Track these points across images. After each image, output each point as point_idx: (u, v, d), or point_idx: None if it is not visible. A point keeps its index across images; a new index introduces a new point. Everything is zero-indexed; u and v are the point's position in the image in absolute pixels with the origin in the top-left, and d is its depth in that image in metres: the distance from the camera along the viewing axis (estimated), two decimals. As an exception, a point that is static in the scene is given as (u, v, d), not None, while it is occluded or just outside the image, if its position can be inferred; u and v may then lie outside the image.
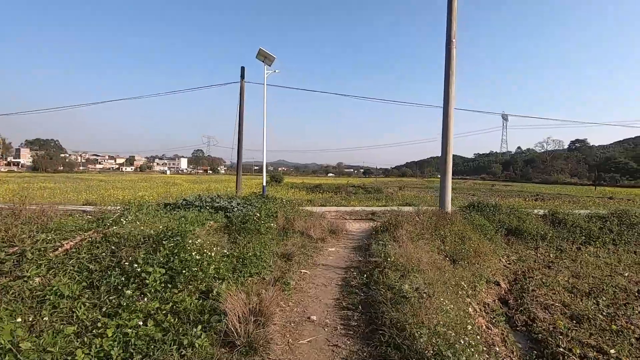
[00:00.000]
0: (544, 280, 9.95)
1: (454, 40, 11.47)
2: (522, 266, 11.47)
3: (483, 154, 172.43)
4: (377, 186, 44.29)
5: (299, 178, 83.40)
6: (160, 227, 5.29)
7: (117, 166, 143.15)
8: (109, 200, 22.22)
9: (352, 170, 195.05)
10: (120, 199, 22.87)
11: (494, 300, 8.50)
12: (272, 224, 7.70)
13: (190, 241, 4.69)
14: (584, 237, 14.14)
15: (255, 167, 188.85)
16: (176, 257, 4.35)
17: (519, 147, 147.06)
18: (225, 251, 5.31)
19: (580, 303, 8.44)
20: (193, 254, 4.44)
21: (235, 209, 9.27)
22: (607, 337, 6.40)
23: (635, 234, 14.62)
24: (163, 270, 4.07)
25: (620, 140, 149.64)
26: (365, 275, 5.36)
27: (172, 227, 5.26)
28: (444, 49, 11.76)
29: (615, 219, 15.18)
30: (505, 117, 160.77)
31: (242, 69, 15.71)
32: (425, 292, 3.99)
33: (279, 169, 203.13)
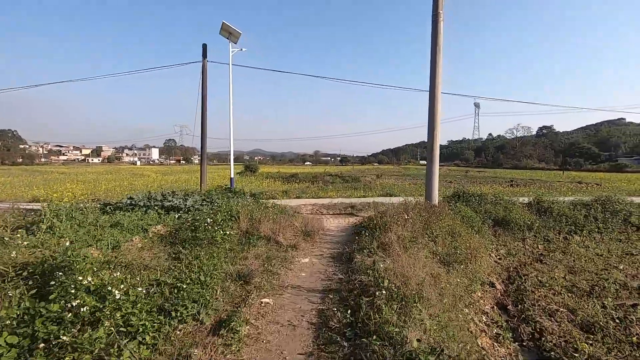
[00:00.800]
0: (540, 278, 9.08)
1: (441, 12, 10.16)
2: (513, 261, 10.69)
3: (456, 140, 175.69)
4: (354, 175, 43.23)
5: (276, 167, 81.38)
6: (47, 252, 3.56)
7: (82, 157, 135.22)
8: (63, 196, 19.96)
9: (329, 158, 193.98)
10: (76, 195, 20.60)
11: (492, 307, 7.48)
12: (231, 230, 6.17)
13: (81, 278, 2.97)
14: (569, 226, 13.64)
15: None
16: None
17: (490, 134, 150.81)
18: (152, 279, 3.75)
19: (586, 306, 7.49)
20: (79, 301, 2.80)
21: (191, 208, 7.74)
22: (627, 352, 5.43)
23: (619, 221, 14.25)
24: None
25: (582, 127, 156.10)
26: (349, 310, 3.92)
27: (62, 253, 3.43)
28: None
29: (599, 206, 14.68)
30: (477, 105, 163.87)
31: (204, 46, 13.80)
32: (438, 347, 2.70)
33: (256, 158, 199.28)
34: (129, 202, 7.79)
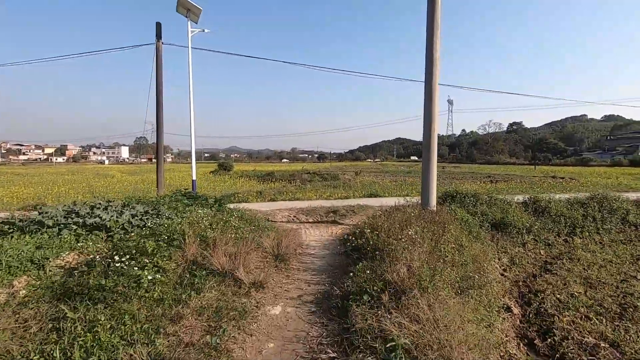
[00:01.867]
0: (558, 295, 7.72)
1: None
2: (520, 272, 9.37)
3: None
4: (333, 172, 41.58)
5: (252, 165, 78.67)
6: None
7: (45, 157, 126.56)
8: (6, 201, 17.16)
9: (306, 155, 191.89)
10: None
11: (518, 345, 5.94)
12: (168, 263, 4.28)
13: None
14: (568, 227, 12.60)
15: (206, 154, 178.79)
16: None
17: (463, 130, 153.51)
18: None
19: (628, 337, 6.13)
20: None
21: (127, 225, 5.75)
22: None
23: (617, 220, 13.32)
24: None
25: (549, 123, 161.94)
26: None
27: None
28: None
29: (595, 205, 13.67)
30: (450, 102, 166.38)
31: (158, 25, 11.57)
32: None
33: (232, 155, 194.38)
34: (37, 219, 5.64)
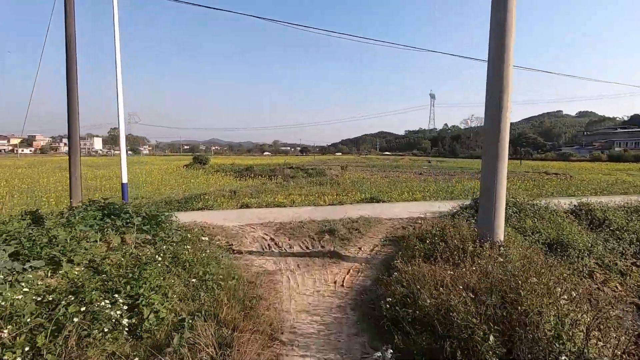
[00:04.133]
0: None
1: None
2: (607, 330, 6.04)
3: (413, 130, 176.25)
4: (318, 167, 37.99)
5: (231, 158, 73.91)
6: None
7: (10, 148, 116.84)
8: None
9: (289, 148, 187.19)
10: None
11: None
12: None
13: None
14: (634, 246, 9.60)
15: (186, 147, 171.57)
16: None
17: (445, 124, 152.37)
18: None
19: None
20: None
21: None
22: None
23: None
24: None
25: (527, 118, 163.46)
26: None
27: None
28: None
29: (657, 212, 10.67)
30: (432, 96, 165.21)
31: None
32: None
33: (212, 148, 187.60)
34: None
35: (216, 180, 24.31)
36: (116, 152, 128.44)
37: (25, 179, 23.54)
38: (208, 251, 5.32)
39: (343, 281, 4.70)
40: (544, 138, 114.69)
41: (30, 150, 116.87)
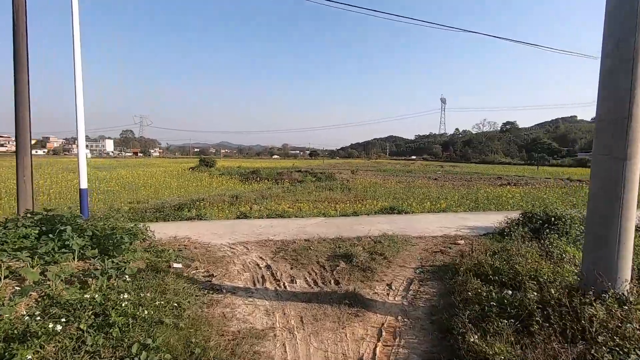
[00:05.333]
0: None
1: None
2: None
3: (423, 135, 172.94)
4: (327, 170, 36.13)
5: (239, 161, 72.48)
6: None
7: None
8: None
9: (297, 152, 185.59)
10: None
11: None
12: None
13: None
14: None
15: (196, 149, 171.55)
16: None
17: (456, 129, 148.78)
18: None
19: None
20: None
21: None
22: None
23: None
24: None
25: (540, 123, 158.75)
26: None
27: None
28: None
29: None
30: (443, 100, 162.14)
31: None
32: None
33: (222, 150, 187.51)
34: None
35: (219, 184, 22.62)
36: (127, 154, 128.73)
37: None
38: (167, 296, 3.51)
39: (374, 357, 2.83)
40: (559, 143, 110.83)
41: (44, 152, 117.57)
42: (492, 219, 8.61)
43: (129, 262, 4.62)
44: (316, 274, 4.94)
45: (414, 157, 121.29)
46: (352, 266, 5.15)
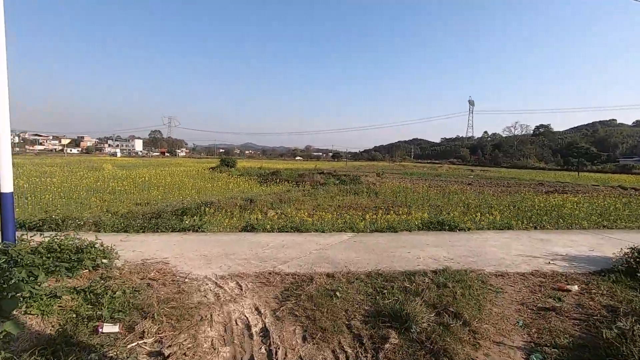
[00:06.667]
0: None
1: None
2: None
3: (449, 138, 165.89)
4: (351, 173, 33.73)
5: (259, 162, 71.20)
6: None
7: (60, 148, 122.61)
8: None
9: (320, 154, 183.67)
10: None
11: None
12: None
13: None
14: None
15: (221, 150, 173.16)
16: None
17: (485, 132, 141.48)
18: None
19: None
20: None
21: None
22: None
23: None
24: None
25: (576, 127, 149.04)
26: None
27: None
28: None
29: None
30: (471, 103, 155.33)
31: None
32: None
33: (246, 151, 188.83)
34: None
35: (236, 185, 20.79)
36: (154, 153, 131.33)
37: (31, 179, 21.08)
38: None
39: None
40: (597, 148, 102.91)
41: (77, 150, 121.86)
42: (584, 242, 6.07)
43: (23, 326, 2.56)
44: (348, 357, 2.69)
45: (440, 160, 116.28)
46: (410, 342, 2.87)
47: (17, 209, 11.76)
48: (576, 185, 29.65)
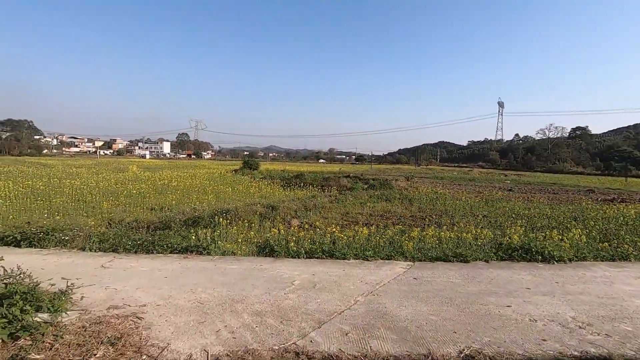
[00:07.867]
0: None
1: None
2: None
3: (477, 141, 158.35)
4: (379, 177, 31.51)
5: (282, 164, 69.85)
6: None
7: (94, 150, 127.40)
8: None
9: (344, 156, 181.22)
10: None
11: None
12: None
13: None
14: None
15: (245, 152, 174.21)
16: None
17: (516, 135, 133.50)
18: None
19: None
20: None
21: None
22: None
23: None
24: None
25: (616, 129, 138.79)
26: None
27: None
28: None
29: None
30: (501, 104, 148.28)
31: None
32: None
33: (270, 154, 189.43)
34: None
35: (258, 189, 19.21)
36: (181, 155, 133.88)
37: (41, 178, 20.31)
38: None
39: None
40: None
41: (110, 152, 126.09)
42: None
43: None
44: None
45: (467, 164, 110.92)
46: None
47: (24, 213, 10.64)
48: (633, 193, 26.16)
